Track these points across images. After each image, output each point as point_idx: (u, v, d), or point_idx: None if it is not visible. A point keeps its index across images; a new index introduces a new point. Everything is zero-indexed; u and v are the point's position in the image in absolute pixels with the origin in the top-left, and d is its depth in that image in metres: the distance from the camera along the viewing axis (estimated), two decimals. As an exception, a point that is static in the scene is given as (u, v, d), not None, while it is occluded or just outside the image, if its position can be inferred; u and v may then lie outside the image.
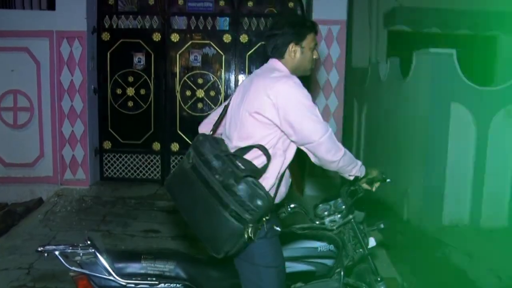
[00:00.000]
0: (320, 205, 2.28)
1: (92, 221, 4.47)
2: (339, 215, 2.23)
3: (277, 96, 1.77)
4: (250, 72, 5.42)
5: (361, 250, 2.26)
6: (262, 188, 1.73)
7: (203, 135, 1.90)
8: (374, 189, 2.21)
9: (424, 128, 4.89)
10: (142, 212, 4.75)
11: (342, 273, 2.21)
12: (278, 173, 1.85)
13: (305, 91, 1.84)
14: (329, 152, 1.83)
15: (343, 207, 2.22)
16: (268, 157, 1.78)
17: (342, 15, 5.04)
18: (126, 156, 5.58)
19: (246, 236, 1.70)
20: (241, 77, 5.53)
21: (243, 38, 5.41)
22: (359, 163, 2.01)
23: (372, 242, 2.30)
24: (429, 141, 4.85)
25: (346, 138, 7.37)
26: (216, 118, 2.08)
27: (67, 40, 5.09)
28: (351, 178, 2.04)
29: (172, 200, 2.00)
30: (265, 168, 1.78)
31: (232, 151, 1.86)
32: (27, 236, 4.14)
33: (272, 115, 1.79)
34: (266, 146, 1.82)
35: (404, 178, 5.31)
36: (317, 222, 2.24)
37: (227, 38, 5.43)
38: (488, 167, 4.89)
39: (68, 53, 5.10)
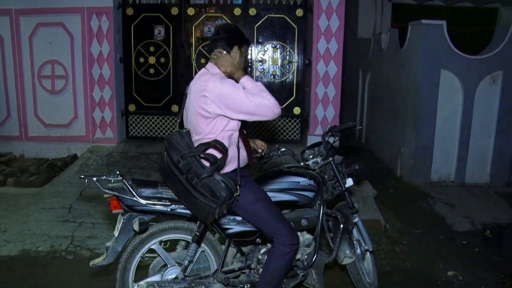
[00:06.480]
0: (307, 151, 2.76)
1: (120, 172, 5.02)
2: (320, 158, 2.69)
3: (211, 92, 2.09)
4: (258, 42, 5.83)
5: (339, 188, 2.67)
6: (223, 180, 2.07)
7: (170, 135, 2.17)
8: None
9: (416, 93, 5.25)
10: (162, 165, 5.26)
11: (322, 204, 2.57)
12: (231, 143, 2.23)
13: (229, 80, 2.16)
14: (265, 106, 2.09)
15: (325, 151, 2.69)
16: (225, 150, 2.10)
17: (342, -11, 5.31)
18: (148, 117, 6.05)
19: (216, 215, 2.09)
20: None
21: (252, 12, 5.76)
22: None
23: (349, 181, 2.71)
24: (421, 105, 5.23)
25: (351, 104, 7.80)
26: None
27: (96, 15, 5.51)
28: None
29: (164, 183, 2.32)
30: (223, 159, 2.11)
31: (195, 143, 2.18)
32: (66, 184, 4.82)
33: (213, 108, 2.11)
34: (217, 137, 2.16)
35: (398, 139, 5.77)
36: (302, 163, 2.71)
37: (237, 11, 5.79)
38: (473, 129, 5.29)
39: (97, 26, 5.54)
